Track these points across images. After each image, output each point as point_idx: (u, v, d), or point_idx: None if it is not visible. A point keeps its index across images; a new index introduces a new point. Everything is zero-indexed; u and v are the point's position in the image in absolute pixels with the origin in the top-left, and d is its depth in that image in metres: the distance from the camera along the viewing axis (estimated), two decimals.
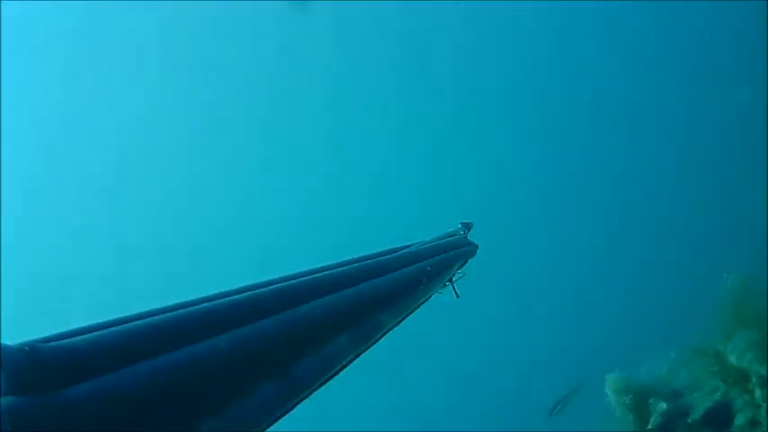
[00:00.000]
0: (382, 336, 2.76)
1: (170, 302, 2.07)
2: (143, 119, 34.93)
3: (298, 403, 2.17)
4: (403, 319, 2.97)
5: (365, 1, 31.98)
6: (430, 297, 3.39)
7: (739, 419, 4.94)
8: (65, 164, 33.78)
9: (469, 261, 4.19)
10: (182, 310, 1.99)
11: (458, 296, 4.16)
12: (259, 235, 33.87)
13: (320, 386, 2.29)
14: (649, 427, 6.22)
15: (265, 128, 36.50)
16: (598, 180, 32.22)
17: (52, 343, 1.53)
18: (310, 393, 2.23)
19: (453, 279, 4.07)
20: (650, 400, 6.41)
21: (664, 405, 5.98)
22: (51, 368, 1.42)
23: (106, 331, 1.70)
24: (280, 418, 2.07)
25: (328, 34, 34.61)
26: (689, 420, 5.82)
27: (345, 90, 35.52)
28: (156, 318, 1.88)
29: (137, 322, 1.81)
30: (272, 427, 2.02)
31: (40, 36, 31.69)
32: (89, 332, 1.67)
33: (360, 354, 2.55)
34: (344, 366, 2.45)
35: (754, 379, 4.43)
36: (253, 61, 35.64)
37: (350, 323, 2.48)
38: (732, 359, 4.65)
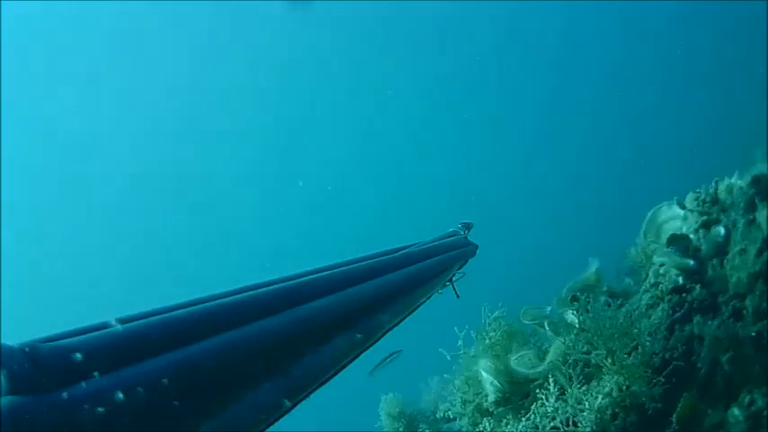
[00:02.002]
0: (382, 336, 2.76)
1: (170, 303, 2.06)
2: (143, 118, 34.69)
3: (298, 403, 2.17)
4: (403, 319, 2.96)
5: (366, 1, 32.19)
6: (430, 297, 3.39)
7: None
8: (66, 164, 33.61)
9: (469, 261, 4.20)
10: (181, 311, 1.99)
11: (458, 296, 4.17)
12: (259, 235, 33.89)
13: (320, 386, 2.29)
14: None
15: (265, 128, 36.24)
16: None
17: (52, 343, 1.53)
18: (310, 393, 2.23)
19: (453, 279, 4.08)
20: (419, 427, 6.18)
21: None
22: (51, 368, 1.42)
23: (106, 331, 1.69)
24: (280, 417, 2.07)
25: (328, 34, 34.42)
26: None
27: (345, 90, 35.54)
28: (155, 318, 1.88)
29: (136, 322, 1.80)
30: (272, 427, 2.01)
31: (40, 36, 31.62)
32: (89, 332, 1.67)
33: (359, 354, 2.55)
34: (344, 366, 2.44)
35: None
36: (253, 61, 35.37)
37: (350, 323, 2.47)
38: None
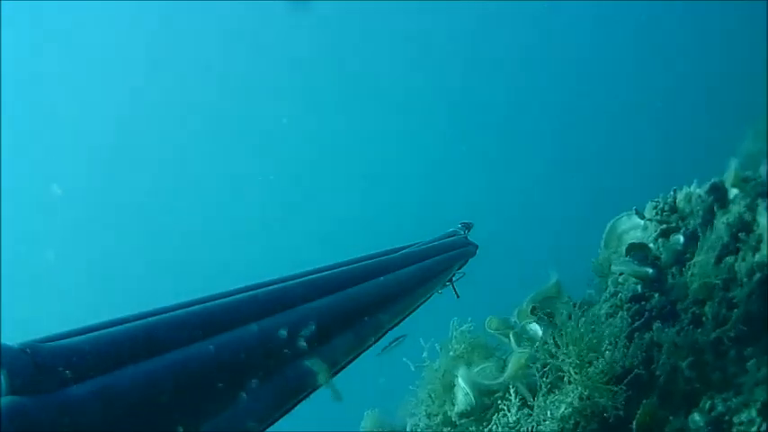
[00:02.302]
0: (382, 335, 2.77)
1: (171, 303, 2.06)
2: (143, 119, 34.75)
3: (298, 403, 2.17)
4: (403, 319, 2.96)
5: (366, 1, 32.88)
6: (430, 297, 3.39)
7: None
8: (66, 164, 33.46)
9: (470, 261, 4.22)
10: (181, 311, 1.98)
11: (458, 296, 4.17)
12: (259, 235, 34.24)
13: (320, 386, 2.25)
14: None
15: (264, 128, 36.29)
16: None
17: (52, 343, 1.53)
18: (310, 393, 2.22)
19: (453, 279, 4.08)
20: None
21: None
22: (51, 368, 1.42)
23: (106, 331, 1.69)
24: (280, 417, 2.07)
25: (328, 34, 34.79)
26: None
27: (345, 90, 36.27)
28: (155, 318, 1.86)
29: (136, 323, 1.80)
30: (272, 427, 2.01)
31: (41, 36, 31.62)
32: (89, 332, 1.66)
33: (359, 354, 2.54)
34: (344, 366, 2.45)
35: None
36: (252, 61, 35.47)
37: (350, 323, 2.46)
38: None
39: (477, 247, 4.18)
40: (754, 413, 3.23)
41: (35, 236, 31.73)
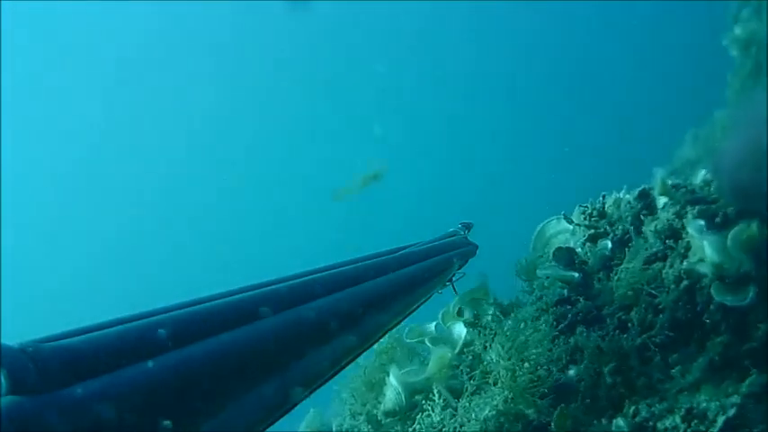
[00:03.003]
0: (382, 335, 2.83)
1: (171, 302, 2.05)
2: (143, 118, 34.72)
3: (298, 403, 2.17)
4: (403, 319, 3.01)
5: (366, 1, 33.23)
6: (430, 297, 3.41)
7: None
8: (66, 164, 33.40)
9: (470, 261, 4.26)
10: (182, 310, 1.97)
11: (458, 296, 4.20)
12: (260, 235, 34.84)
13: (320, 386, 2.31)
14: None
15: (263, 128, 36.74)
16: None
17: (52, 343, 1.49)
18: (310, 393, 2.24)
19: (453, 279, 4.11)
20: None
21: None
22: (51, 368, 1.39)
23: (106, 331, 1.66)
24: (280, 417, 2.08)
25: (328, 34, 35.16)
26: None
27: (345, 90, 36.62)
28: (155, 318, 1.84)
29: (136, 322, 1.77)
30: (272, 427, 2.03)
31: (41, 36, 31.43)
32: (89, 332, 1.64)
33: (360, 354, 2.59)
34: (344, 366, 2.47)
35: None
36: (252, 61, 35.83)
37: (350, 323, 2.47)
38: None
39: (477, 246, 4.25)
40: (678, 419, 3.37)
41: (36, 235, 32.07)
